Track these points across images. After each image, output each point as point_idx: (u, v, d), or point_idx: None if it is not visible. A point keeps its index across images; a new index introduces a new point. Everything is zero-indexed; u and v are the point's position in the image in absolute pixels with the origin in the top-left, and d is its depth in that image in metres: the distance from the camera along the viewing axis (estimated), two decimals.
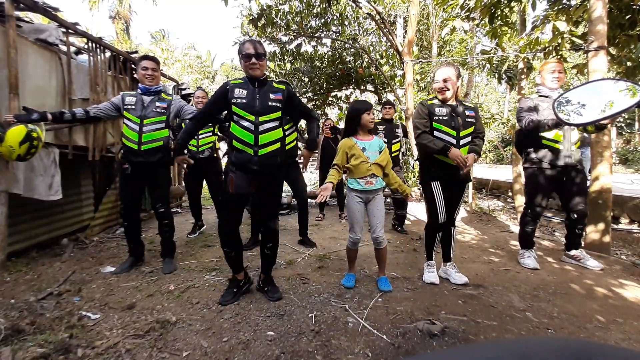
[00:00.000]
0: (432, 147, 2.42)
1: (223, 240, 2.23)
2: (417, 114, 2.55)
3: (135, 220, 2.87)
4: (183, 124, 3.55)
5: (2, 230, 2.76)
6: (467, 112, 2.50)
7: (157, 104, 2.80)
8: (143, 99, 2.79)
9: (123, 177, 2.82)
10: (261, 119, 2.09)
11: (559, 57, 4.28)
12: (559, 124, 2.58)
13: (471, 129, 2.48)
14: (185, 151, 3.76)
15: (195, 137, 3.81)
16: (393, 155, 4.40)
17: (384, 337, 1.81)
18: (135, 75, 4.73)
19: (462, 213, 5.57)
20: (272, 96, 2.15)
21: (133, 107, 2.74)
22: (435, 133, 2.47)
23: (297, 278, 2.67)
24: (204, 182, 4.17)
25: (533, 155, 2.91)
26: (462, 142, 2.45)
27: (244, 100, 2.09)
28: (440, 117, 2.46)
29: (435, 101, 2.53)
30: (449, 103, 2.50)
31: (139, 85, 2.82)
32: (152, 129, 2.76)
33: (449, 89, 2.45)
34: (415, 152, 3.98)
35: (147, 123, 2.74)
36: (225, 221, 2.21)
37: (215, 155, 4.05)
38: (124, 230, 2.91)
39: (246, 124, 2.08)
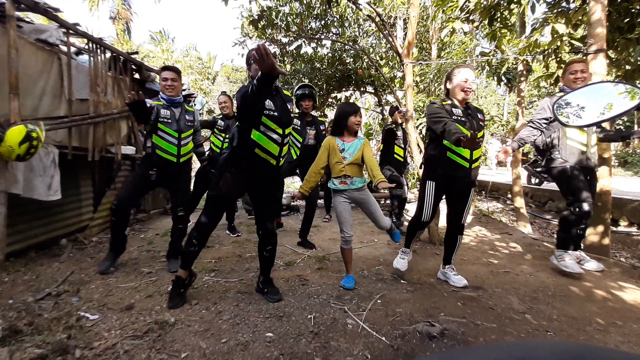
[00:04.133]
0: (452, 136, 2.16)
1: (199, 238, 2.16)
2: (434, 109, 2.43)
3: (126, 216, 2.86)
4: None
5: (1, 230, 2.75)
6: (479, 115, 2.50)
7: (187, 117, 2.91)
8: (174, 111, 2.84)
9: (141, 178, 2.84)
10: (286, 131, 2.14)
11: (558, 59, 4.30)
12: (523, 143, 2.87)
13: (482, 133, 2.47)
14: (208, 152, 4.04)
15: (221, 139, 3.95)
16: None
17: (383, 338, 1.81)
18: (135, 76, 4.74)
19: None
20: (289, 106, 2.18)
21: (169, 120, 2.80)
22: None
23: (296, 279, 2.67)
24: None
25: (558, 155, 2.83)
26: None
27: (276, 113, 2.06)
28: (459, 118, 2.39)
29: (449, 102, 2.48)
30: (460, 106, 2.46)
31: (161, 95, 2.84)
32: (187, 142, 2.92)
33: (472, 90, 2.43)
34: (415, 154, 3.99)
35: (184, 137, 2.88)
36: (210, 218, 2.16)
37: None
38: (112, 225, 2.83)
39: (275, 136, 2.08)
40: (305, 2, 6.64)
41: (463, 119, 2.40)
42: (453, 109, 2.42)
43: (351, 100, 8.88)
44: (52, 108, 3.28)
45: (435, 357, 0.44)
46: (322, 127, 3.72)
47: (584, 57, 3.28)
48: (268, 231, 2.30)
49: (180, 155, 2.85)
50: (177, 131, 2.82)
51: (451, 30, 4.60)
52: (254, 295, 2.36)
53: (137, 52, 5.51)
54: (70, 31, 3.43)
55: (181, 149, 2.86)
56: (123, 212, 2.80)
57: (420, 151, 3.90)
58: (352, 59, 7.59)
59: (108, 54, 3.96)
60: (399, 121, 4.47)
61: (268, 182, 2.27)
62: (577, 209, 2.67)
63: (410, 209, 6.21)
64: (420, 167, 2.86)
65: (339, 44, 7.57)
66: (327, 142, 2.53)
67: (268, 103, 2.07)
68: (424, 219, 2.57)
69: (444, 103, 2.47)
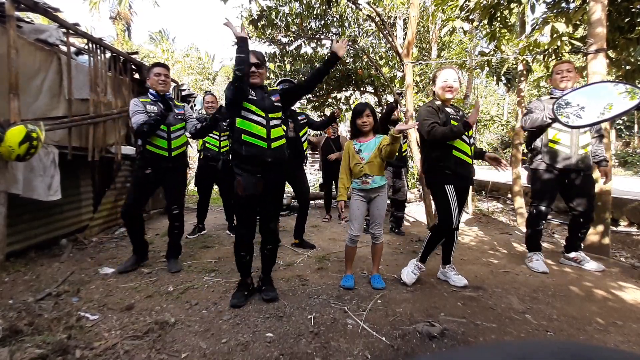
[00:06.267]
0: (455, 132, 2.31)
1: (240, 245, 2.24)
2: (427, 112, 2.45)
3: (139, 219, 2.91)
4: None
5: (1, 230, 2.75)
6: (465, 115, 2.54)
7: (176, 110, 2.93)
8: (161, 106, 2.83)
9: (140, 180, 2.86)
10: (270, 115, 2.23)
11: (558, 59, 4.29)
12: (553, 120, 2.68)
13: (471, 132, 2.49)
14: (204, 153, 4.09)
15: (218, 138, 4.01)
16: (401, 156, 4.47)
17: (383, 338, 1.81)
18: (135, 76, 4.74)
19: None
20: (273, 98, 2.31)
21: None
22: None
23: (296, 279, 2.67)
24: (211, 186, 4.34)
25: (539, 156, 2.94)
26: (470, 141, 2.48)
27: (255, 98, 2.21)
28: (456, 117, 2.46)
29: (440, 103, 2.50)
30: (448, 105, 2.51)
31: (151, 91, 2.85)
32: (177, 136, 2.92)
33: (454, 90, 2.47)
34: (416, 154, 3.99)
35: (174, 130, 2.89)
36: (243, 226, 2.24)
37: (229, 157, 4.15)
38: (127, 230, 2.93)
39: (257, 118, 2.18)
40: (305, 2, 6.62)
41: (458, 118, 2.46)
42: (447, 109, 2.49)
43: (351, 101, 8.87)
44: (51, 108, 3.28)
45: (435, 357, 0.44)
46: (300, 118, 3.67)
47: (582, 57, 3.29)
48: (270, 230, 2.32)
49: (171, 149, 2.86)
50: (166, 125, 2.82)
51: (451, 29, 4.60)
52: (254, 295, 2.36)
53: (137, 52, 5.50)
54: (70, 31, 3.43)
55: (172, 142, 2.86)
56: (132, 217, 2.83)
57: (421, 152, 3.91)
58: (351, 59, 7.58)
59: (108, 54, 3.96)
60: (403, 118, 4.49)
61: (271, 175, 2.24)
62: (534, 210, 2.93)
63: (412, 210, 6.21)
64: (423, 169, 2.82)
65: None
66: (346, 146, 2.60)
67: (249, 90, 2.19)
68: (454, 225, 2.45)
69: (436, 103, 2.52)
